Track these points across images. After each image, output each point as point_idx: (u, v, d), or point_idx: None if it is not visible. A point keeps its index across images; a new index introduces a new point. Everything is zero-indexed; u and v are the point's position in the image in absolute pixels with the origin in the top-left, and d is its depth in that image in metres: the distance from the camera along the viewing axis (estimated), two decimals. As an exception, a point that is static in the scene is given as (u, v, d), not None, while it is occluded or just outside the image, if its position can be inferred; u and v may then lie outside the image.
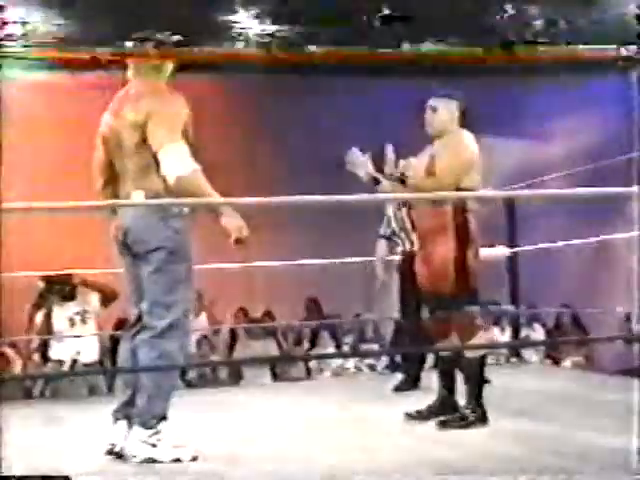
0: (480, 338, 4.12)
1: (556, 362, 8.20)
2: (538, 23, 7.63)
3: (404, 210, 5.65)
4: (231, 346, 7.97)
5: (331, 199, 2.93)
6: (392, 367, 7.33)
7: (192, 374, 7.30)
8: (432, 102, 4.22)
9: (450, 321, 4.08)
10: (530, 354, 7.92)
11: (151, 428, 3.48)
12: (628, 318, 7.96)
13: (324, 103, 9.03)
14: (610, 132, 8.63)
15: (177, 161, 3.41)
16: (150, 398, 3.49)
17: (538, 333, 8.42)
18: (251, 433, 4.17)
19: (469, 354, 4.10)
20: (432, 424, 4.13)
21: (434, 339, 4.20)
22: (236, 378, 7.50)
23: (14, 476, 2.98)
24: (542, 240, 6.75)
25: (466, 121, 4.22)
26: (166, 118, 3.46)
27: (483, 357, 4.16)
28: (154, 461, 3.45)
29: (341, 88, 9.01)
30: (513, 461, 3.34)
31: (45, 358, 6.56)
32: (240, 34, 8.03)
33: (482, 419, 4.09)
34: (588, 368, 7.98)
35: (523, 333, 8.01)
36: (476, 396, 4.11)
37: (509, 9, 7.41)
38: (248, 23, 7.92)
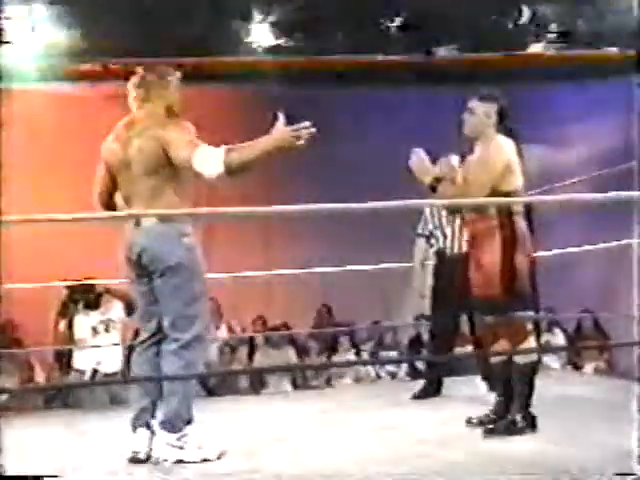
0: (530, 344, 4.05)
1: (577, 368, 8.13)
2: (554, 27, 7.61)
3: (441, 209, 5.58)
4: (250, 355, 7.97)
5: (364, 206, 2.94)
6: (412, 374, 7.32)
7: (213, 382, 7.29)
8: (470, 103, 4.20)
9: (499, 326, 4.04)
10: (552, 360, 7.86)
11: (179, 431, 3.69)
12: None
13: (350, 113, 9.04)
14: (626, 136, 8.58)
15: (209, 159, 3.55)
16: (178, 404, 3.70)
17: (558, 338, 8.36)
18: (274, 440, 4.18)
19: (520, 360, 4.05)
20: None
21: (482, 344, 4.16)
22: (257, 387, 7.49)
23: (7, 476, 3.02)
24: (561, 245, 6.71)
25: (505, 123, 4.19)
26: (182, 139, 3.65)
27: (536, 362, 4.10)
28: (183, 462, 3.65)
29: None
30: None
31: (68, 367, 6.58)
32: (254, 43, 8.06)
33: (531, 426, 4.04)
34: (610, 374, 7.91)
35: (543, 339, 7.96)
36: (526, 402, 4.06)
37: (525, 14, 7.40)
38: (263, 33, 7.95)
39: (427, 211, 5.71)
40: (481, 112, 4.16)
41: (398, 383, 7.32)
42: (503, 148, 4.10)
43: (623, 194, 3.24)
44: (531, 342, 4.06)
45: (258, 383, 7.49)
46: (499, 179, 4.03)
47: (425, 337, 7.72)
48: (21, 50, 7.50)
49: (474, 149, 4.21)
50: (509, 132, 4.19)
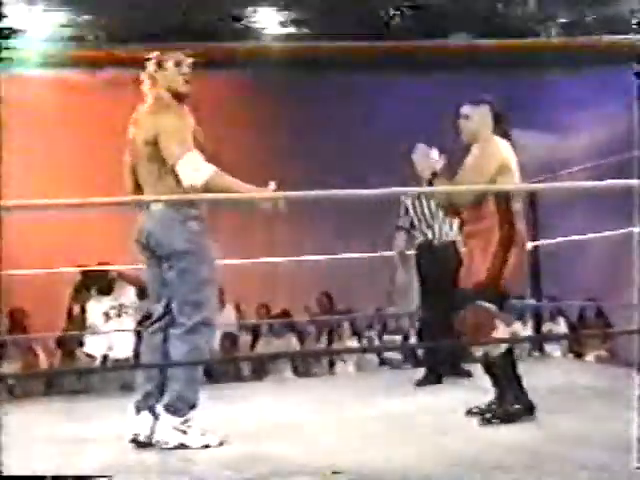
0: (500, 334, 4.03)
1: (579, 356, 8.14)
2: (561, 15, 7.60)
3: (424, 202, 5.63)
4: (253, 342, 7.98)
5: (351, 193, 2.94)
6: (413, 361, 7.33)
7: (216, 369, 7.31)
8: (464, 110, 4.25)
9: (467, 317, 4.04)
10: (553, 348, 7.86)
11: (183, 416, 3.70)
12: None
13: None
14: (630, 125, 8.56)
15: (195, 170, 3.62)
16: (183, 388, 3.72)
17: (561, 327, 8.36)
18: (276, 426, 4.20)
19: (491, 351, 4.06)
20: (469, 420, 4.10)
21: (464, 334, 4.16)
22: (260, 374, 7.50)
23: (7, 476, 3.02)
24: (564, 233, 6.70)
25: (500, 123, 4.23)
26: (175, 133, 3.69)
27: (507, 352, 4.08)
28: (185, 447, 3.66)
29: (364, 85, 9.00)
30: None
31: (77, 353, 6.59)
32: (259, 30, 8.05)
33: (527, 412, 4.05)
34: (612, 362, 7.91)
35: (546, 327, 7.97)
36: (516, 390, 4.06)
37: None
38: (268, 19, 7.94)
39: (408, 203, 5.73)
40: (476, 117, 4.21)
41: (399, 371, 7.32)
42: (499, 148, 4.14)
43: (622, 182, 3.24)
44: (500, 333, 4.02)
45: (261, 370, 7.51)
46: (495, 179, 4.06)
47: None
48: (22, 35, 7.49)
49: (471, 150, 4.25)
50: (505, 134, 4.23)
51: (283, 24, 8.10)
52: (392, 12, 7.79)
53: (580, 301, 8.58)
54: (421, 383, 5.60)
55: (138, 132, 3.82)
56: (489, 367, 4.14)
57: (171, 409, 3.71)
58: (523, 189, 4.30)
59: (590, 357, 8.11)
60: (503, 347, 4.08)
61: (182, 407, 3.71)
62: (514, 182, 4.15)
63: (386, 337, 8.23)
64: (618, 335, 8.16)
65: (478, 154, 4.16)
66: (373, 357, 7.98)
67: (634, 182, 3.12)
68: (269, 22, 8.08)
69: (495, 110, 4.24)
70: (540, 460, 3.26)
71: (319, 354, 8.27)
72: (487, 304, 4.00)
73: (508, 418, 4.01)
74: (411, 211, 5.73)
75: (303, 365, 7.78)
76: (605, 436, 3.58)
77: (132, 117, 3.91)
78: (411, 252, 5.80)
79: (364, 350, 8.63)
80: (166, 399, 3.74)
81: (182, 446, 3.66)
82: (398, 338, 8.16)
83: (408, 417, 4.39)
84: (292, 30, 8.20)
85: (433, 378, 5.61)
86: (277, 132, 9.19)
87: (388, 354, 7.99)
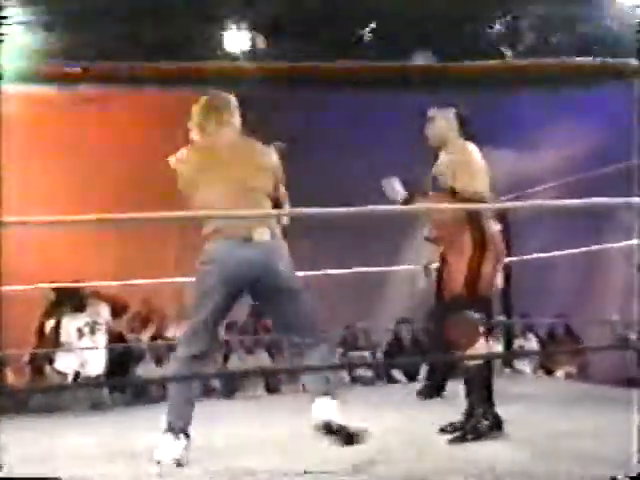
0: (481, 346, 4.03)
1: (549, 372, 8.19)
2: (530, 36, 7.69)
3: None
4: (225, 358, 7.95)
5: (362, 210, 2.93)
6: (386, 378, 7.34)
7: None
8: (430, 113, 4.29)
9: (451, 328, 4.05)
10: (523, 364, 7.91)
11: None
12: (626, 327, 7.97)
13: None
14: (597, 142, 8.68)
15: None
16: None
17: (531, 343, 8.42)
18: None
19: (468, 362, 4.08)
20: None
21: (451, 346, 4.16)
22: (231, 390, 7.47)
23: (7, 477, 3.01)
24: (535, 251, 6.76)
25: (466, 128, 4.27)
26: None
27: (485, 365, 4.09)
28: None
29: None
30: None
31: (47, 370, 6.53)
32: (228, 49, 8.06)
33: (496, 428, 4.03)
34: (581, 378, 7.98)
35: (516, 343, 8.02)
36: (485, 405, 4.05)
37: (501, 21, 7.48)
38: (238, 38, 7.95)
39: None
40: (441, 119, 4.25)
41: (372, 387, 7.32)
42: (474, 150, 4.18)
43: (592, 200, 3.28)
44: (481, 345, 4.02)
45: (231, 387, 7.49)
46: (476, 178, 4.09)
47: (405, 341, 7.81)
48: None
49: (439, 156, 4.26)
50: (471, 137, 4.26)
51: (251, 44, 8.11)
52: (360, 32, 7.84)
53: (550, 318, 8.65)
54: (422, 393, 5.62)
55: None
56: (466, 377, 4.14)
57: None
58: (498, 207, 4.32)
59: (560, 373, 8.18)
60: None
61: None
62: (483, 186, 4.13)
63: (355, 353, 8.21)
64: (588, 352, 8.24)
65: (457, 159, 4.14)
66: (345, 374, 7.95)
67: (603, 200, 3.16)
68: (237, 42, 8.10)
69: (460, 113, 4.28)
70: (499, 476, 3.25)
71: (291, 371, 8.24)
72: (472, 313, 4.01)
73: (477, 435, 3.98)
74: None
75: (274, 382, 7.75)
76: (574, 450, 3.60)
77: None
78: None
79: (340, 367, 8.59)
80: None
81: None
82: (367, 354, 8.16)
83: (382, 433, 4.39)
84: (259, 49, 8.21)
85: (432, 391, 5.62)
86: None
87: (359, 371, 7.98)
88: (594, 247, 6.36)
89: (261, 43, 7.65)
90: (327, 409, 3.66)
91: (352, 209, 2.88)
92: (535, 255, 6.64)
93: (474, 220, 4.05)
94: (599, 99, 8.68)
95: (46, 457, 4.01)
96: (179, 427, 3.68)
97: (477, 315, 4.03)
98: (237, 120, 4.02)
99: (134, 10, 6.96)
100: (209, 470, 3.55)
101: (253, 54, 8.00)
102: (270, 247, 3.75)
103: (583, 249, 6.33)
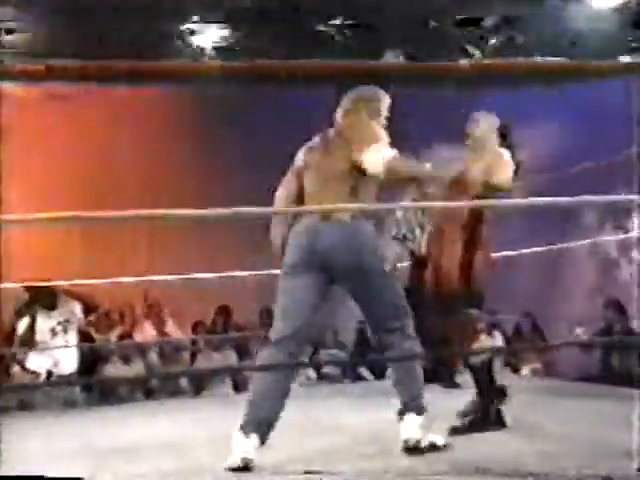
0: (482, 342, 4.10)
1: (515, 370, 8.24)
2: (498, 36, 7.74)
3: (412, 214, 5.73)
4: (192, 357, 7.93)
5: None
6: (353, 376, 7.36)
7: (153, 384, 7.25)
8: (475, 115, 4.38)
9: (452, 326, 4.08)
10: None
11: None
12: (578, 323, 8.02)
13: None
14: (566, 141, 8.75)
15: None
16: None
17: (497, 340, 8.45)
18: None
19: (472, 359, 4.12)
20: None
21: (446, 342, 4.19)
22: (198, 388, 7.45)
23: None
24: (499, 248, 6.79)
25: (505, 137, 4.38)
26: None
27: (488, 361, 4.15)
28: None
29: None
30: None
31: (22, 369, 6.49)
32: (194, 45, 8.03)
33: (498, 422, 4.09)
34: (547, 375, 8.04)
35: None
36: (487, 399, 4.11)
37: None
38: (204, 33, 7.93)
39: (399, 215, 5.80)
40: (485, 125, 4.36)
41: (339, 385, 7.34)
42: (505, 158, 4.26)
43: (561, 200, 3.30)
44: (482, 341, 4.10)
45: (199, 385, 7.47)
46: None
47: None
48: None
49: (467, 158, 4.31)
50: (509, 147, 4.34)
51: (218, 40, 8.09)
52: (328, 29, 7.84)
53: (516, 315, 8.70)
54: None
55: None
56: (473, 373, 4.18)
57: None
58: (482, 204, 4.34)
59: (526, 370, 8.22)
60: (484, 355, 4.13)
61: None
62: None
63: (324, 352, 8.21)
64: (554, 349, 8.30)
65: (489, 159, 4.21)
66: (311, 372, 7.95)
67: (598, 198, 3.16)
68: (204, 39, 8.07)
69: (505, 124, 4.40)
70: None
71: (258, 369, 8.21)
72: (472, 310, 4.06)
73: (478, 428, 4.03)
74: (402, 222, 5.82)
75: (242, 381, 7.73)
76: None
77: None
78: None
79: (314, 365, 8.60)
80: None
81: None
82: (335, 352, 8.16)
83: (352, 428, 4.40)
84: (226, 45, 8.18)
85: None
86: (214, 146, 9.13)
87: (327, 369, 7.99)
88: (559, 245, 6.42)
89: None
90: (417, 427, 3.65)
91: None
92: (501, 253, 6.67)
93: (487, 217, 4.15)
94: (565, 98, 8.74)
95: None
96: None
97: (476, 311, 4.08)
98: None
99: (101, 6, 6.92)
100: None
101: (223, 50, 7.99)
102: (350, 227, 3.69)
103: (550, 247, 6.38)
